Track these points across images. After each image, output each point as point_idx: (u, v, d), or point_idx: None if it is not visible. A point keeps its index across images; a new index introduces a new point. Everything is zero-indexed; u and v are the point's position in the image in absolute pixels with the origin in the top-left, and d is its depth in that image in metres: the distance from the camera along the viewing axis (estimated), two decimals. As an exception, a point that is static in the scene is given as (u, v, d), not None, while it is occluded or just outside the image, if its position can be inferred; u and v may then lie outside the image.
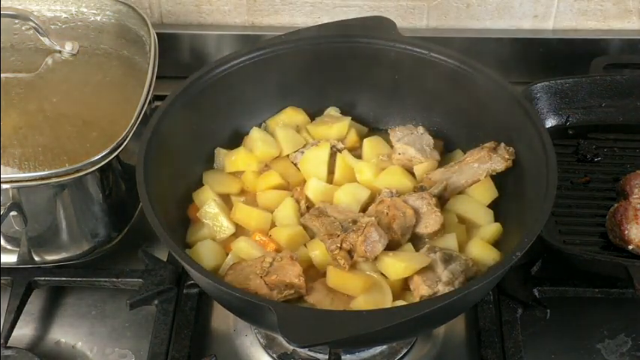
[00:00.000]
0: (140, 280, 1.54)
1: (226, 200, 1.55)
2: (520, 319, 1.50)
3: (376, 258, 1.39)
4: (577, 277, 1.54)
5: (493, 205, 1.53)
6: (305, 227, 1.47)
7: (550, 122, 1.81)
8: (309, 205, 1.51)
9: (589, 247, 1.58)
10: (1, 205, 1.43)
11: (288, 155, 1.62)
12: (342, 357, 1.43)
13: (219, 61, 1.60)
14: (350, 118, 1.67)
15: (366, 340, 1.37)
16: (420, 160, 1.57)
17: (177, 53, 1.95)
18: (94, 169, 1.44)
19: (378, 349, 1.48)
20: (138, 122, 1.50)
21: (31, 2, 1.72)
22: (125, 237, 1.61)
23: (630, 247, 1.54)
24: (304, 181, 1.56)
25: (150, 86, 1.57)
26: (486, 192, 1.53)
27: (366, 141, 1.63)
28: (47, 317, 1.57)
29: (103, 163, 1.45)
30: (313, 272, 1.42)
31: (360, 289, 1.36)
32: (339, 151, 1.60)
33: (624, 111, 1.83)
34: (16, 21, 1.65)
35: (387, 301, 1.36)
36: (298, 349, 1.47)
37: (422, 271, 1.37)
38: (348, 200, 1.50)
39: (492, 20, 1.95)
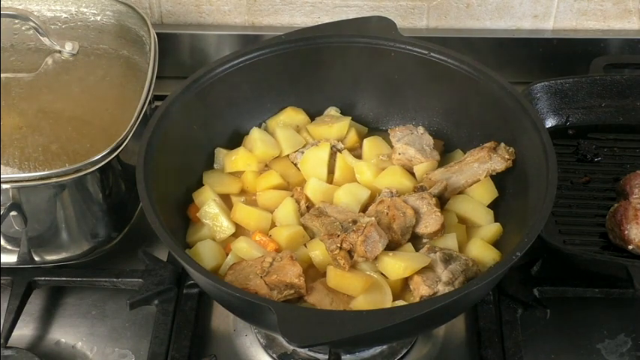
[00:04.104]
0: (140, 280, 1.54)
1: (226, 200, 1.55)
2: (520, 319, 1.50)
3: (376, 258, 1.39)
4: (577, 277, 1.53)
5: (493, 205, 1.53)
6: (305, 227, 1.47)
7: (550, 122, 1.81)
8: (309, 205, 1.51)
9: (589, 247, 1.58)
10: (1, 205, 1.43)
11: (288, 155, 1.62)
12: (342, 357, 1.43)
13: (219, 61, 1.59)
14: (350, 118, 1.68)
15: (366, 340, 1.37)
16: (420, 160, 1.57)
17: (177, 53, 1.95)
18: (94, 169, 1.44)
19: (378, 349, 1.48)
20: (138, 122, 1.50)
21: (31, 2, 1.72)
22: (125, 237, 1.61)
23: (630, 247, 1.54)
24: (304, 181, 1.56)
25: (150, 86, 1.57)
26: (486, 192, 1.53)
27: (366, 141, 1.63)
28: (47, 317, 1.57)
29: (103, 163, 1.45)
30: (313, 272, 1.42)
31: (360, 289, 1.36)
32: (339, 151, 1.60)
33: (624, 111, 1.83)
34: (16, 21, 1.65)
35: (387, 301, 1.36)
36: (298, 349, 1.47)
37: (422, 271, 1.37)
38: (348, 200, 1.50)
39: (492, 20, 1.95)
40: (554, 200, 1.34)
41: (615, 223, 1.56)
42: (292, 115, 1.67)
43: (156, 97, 1.62)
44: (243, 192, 1.58)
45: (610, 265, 1.50)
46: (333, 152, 1.59)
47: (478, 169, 1.53)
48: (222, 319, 1.55)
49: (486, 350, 1.45)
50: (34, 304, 1.58)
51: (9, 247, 1.53)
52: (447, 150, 1.64)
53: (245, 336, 1.52)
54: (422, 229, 1.46)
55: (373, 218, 1.41)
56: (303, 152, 1.60)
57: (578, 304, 1.55)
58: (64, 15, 1.71)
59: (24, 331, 1.54)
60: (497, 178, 1.54)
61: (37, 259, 1.55)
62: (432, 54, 1.60)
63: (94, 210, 1.53)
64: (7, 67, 1.60)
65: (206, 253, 1.44)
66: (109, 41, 1.68)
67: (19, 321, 1.51)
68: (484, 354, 1.45)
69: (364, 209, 1.50)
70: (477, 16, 1.95)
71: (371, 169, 1.56)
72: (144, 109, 1.53)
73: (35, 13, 1.63)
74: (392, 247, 1.42)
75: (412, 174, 1.58)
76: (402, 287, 1.40)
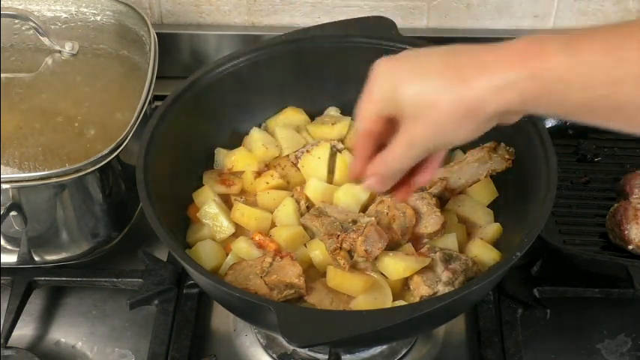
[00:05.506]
0: (140, 280, 1.54)
1: (226, 200, 1.55)
2: (520, 319, 1.50)
3: (376, 258, 1.39)
4: (577, 277, 1.53)
5: (493, 205, 1.53)
6: (305, 227, 1.47)
7: (550, 122, 1.81)
8: (309, 205, 1.51)
9: (589, 247, 1.58)
10: (1, 205, 1.43)
11: (288, 155, 1.62)
12: (342, 357, 1.43)
13: (219, 61, 1.59)
14: (350, 118, 1.67)
15: (366, 340, 1.37)
16: (420, 160, 1.57)
17: (177, 53, 1.95)
18: (94, 169, 1.44)
19: (378, 349, 1.48)
20: (138, 122, 1.50)
21: (31, 2, 1.72)
22: (125, 237, 1.61)
23: (630, 247, 1.54)
24: (304, 181, 1.56)
25: (150, 86, 1.57)
26: (486, 192, 1.53)
27: (366, 141, 1.63)
28: (47, 317, 1.57)
29: (103, 163, 1.45)
30: (313, 272, 1.42)
31: (360, 289, 1.36)
32: (339, 151, 1.59)
33: (624, 111, 1.82)
34: (16, 21, 1.65)
35: (387, 301, 1.36)
36: (298, 349, 1.47)
37: (422, 271, 1.37)
38: (348, 200, 1.50)
39: (492, 20, 1.95)
40: (554, 200, 1.34)
41: (615, 223, 1.56)
42: (292, 115, 1.67)
43: (156, 97, 1.62)
44: (243, 192, 1.58)
45: (610, 265, 1.50)
46: (333, 152, 1.59)
47: (478, 169, 1.53)
48: (222, 319, 1.55)
49: (486, 350, 1.45)
50: (34, 304, 1.58)
51: (9, 247, 1.53)
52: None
53: (245, 336, 1.52)
54: (422, 229, 1.46)
55: (373, 218, 1.41)
56: (303, 152, 1.60)
57: (578, 304, 1.55)
58: (64, 15, 1.71)
59: (24, 331, 1.54)
60: (497, 178, 1.54)
61: (37, 259, 1.55)
62: (432, 54, 1.60)
63: (94, 210, 1.53)
64: (7, 67, 1.60)
65: (206, 253, 1.44)
66: (109, 41, 1.68)
67: (19, 321, 1.51)
68: (484, 354, 1.45)
69: (364, 209, 1.50)
70: (477, 16, 1.95)
71: (371, 169, 1.56)
72: (144, 109, 1.53)
73: (35, 13, 1.63)
74: (392, 247, 1.42)
75: (412, 174, 1.58)
76: (402, 287, 1.40)
